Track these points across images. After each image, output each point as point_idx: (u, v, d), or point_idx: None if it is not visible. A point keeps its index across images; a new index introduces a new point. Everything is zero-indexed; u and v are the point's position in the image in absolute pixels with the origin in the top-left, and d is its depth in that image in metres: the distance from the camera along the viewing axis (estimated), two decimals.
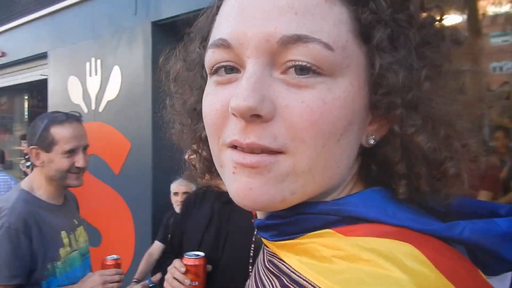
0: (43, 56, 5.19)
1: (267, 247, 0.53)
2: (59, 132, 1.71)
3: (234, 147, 0.46)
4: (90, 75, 4.44)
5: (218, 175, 0.54)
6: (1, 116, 8.22)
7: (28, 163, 6.05)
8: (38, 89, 7.13)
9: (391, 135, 0.49)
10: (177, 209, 3.27)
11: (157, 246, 3.45)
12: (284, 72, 0.45)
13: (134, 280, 3.15)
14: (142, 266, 3.31)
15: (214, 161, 0.52)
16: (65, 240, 1.75)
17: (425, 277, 0.38)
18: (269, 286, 0.49)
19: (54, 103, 5.00)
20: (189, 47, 0.61)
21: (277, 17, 0.44)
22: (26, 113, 8.02)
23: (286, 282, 0.46)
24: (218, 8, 0.52)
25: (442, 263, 0.40)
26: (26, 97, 7.91)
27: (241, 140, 0.45)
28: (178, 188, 3.29)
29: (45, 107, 8.09)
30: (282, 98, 0.44)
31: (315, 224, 0.47)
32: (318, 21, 0.44)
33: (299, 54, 0.43)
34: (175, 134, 0.66)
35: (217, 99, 0.48)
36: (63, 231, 1.76)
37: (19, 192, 1.71)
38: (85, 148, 1.78)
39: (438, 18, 0.49)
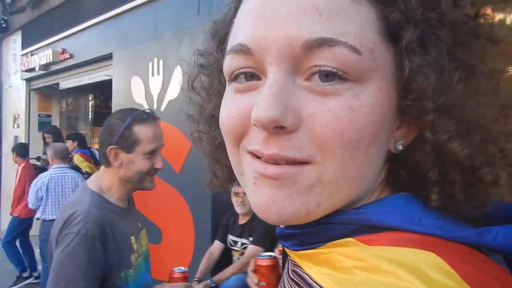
0: (108, 57, 5.38)
1: (290, 256, 0.51)
2: (142, 131, 1.58)
3: (255, 155, 0.44)
4: (153, 75, 4.53)
5: (239, 183, 0.52)
6: (67, 116, 8.62)
7: (41, 164, 6.31)
8: (101, 89, 7.42)
9: (422, 141, 0.45)
10: (238, 209, 3.25)
11: (217, 246, 3.45)
12: (308, 78, 0.42)
13: (196, 279, 3.16)
14: (203, 265, 3.31)
15: (234, 170, 0.50)
16: (135, 246, 1.64)
17: None
18: None
19: (117, 102, 5.15)
20: (206, 51, 0.60)
21: (300, 19, 0.41)
22: (90, 113, 8.37)
23: None
24: (236, 10, 0.49)
25: (469, 273, 0.37)
26: (90, 98, 8.25)
27: (263, 150, 0.43)
28: (239, 189, 3.23)
29: (107, 107, 8.48)
30: (307, 106, 0.41)
31: (336, 233, 0.45)
32: (344, 23, 0.41)
33: (325, 59, 0.40)
34: (194, 141, 0.64)
35: (236, 107, 0.45)
36: (132, 236, 1.64)
37: (90, 194, 1.57)
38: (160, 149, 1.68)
39: (472, 15, 0.44)
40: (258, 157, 0.44)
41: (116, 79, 5.20)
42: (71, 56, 6.31)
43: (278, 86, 0.41)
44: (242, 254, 3.34)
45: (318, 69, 0.41)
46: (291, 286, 0.49)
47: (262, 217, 0.44)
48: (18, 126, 8.13)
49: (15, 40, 8.16)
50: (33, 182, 4.80)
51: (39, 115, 8.12)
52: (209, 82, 0.59)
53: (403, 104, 0.44)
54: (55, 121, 8.24)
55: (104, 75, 5.73)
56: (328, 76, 0.41)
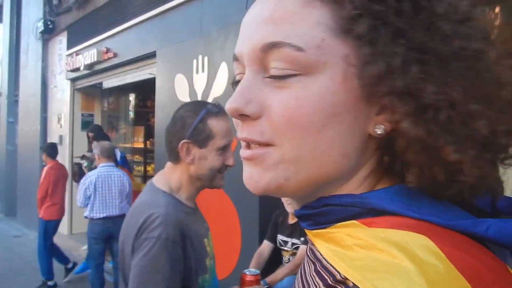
0: (151, 55, 5.40)
1: (307, 235, 0.57)
2: (216, 125, 1.47)
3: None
4: (197, 72, 4.50)
5: None
6: (108, 115, 8.78)
7: (85, 163, 6.28)
8: (142, 88, 7.49)
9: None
10: (288, 208, 3.15)
11: (266, 246, 3.37)
12: (271, 76, 0.50)
13: None
14: (253, 265, 3.24)
15: None
16: (208, 249, 1.55)
17: (434, 268, 0.40)
18: (308, 270, 0.54)
19: (161, 100, 5.17)
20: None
21: (260, 29, 0.50)
22: (130, 112, 8.49)
23: (318, 267, 0.51)
24: None
25: (458, 257, 0.41)
26: (131, 97, 8.36)
27: (238, 135, 0.53)
28: None
29: (145, 106, 8.58)
30: (267, 99, 0.50)
31: (343, 215, 0.50)
32: (293, 27, 0.48)
33: (276, 58, 0.48)
34: None
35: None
36: (205, 239, 1.55)
37: (163, 195, 1.46)
38: None
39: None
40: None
41: (159, 77, 5.21)
42: (115, 55, 6.39)
43: (245, 83, 0.51)
44: (292, 254, 3.24)
45: (275, 68, 0.49)
46: (307, 262, 0.56)
47: (248, 189, 0.53)
48: (62, 126, 8.33)
49: (60, 41, 8.36)
50: (81, 181, 4.87)
51: (82, 115, 8.29)
52: None
53: (365, 91, 0.48)
54: (97, 120, 8.41)
55: (147, 73, 5.76)
56: (277, 76, 0.49)
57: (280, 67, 0.48)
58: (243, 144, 0.53)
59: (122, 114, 8.79)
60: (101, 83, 7.25)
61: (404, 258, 0.40)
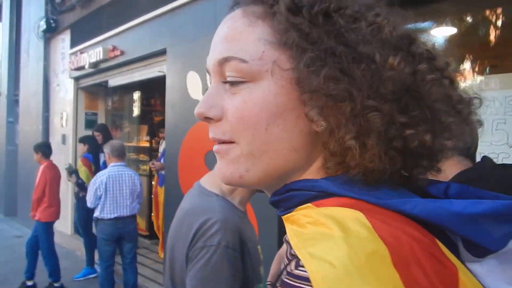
0: (161, 53, 5.29)
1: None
2: None
3: None
4: None
5: None
6: (112, 114, 8.66)
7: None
8: (148, 87, 7.39)
9: None
10: None
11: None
12: (226, 82, 0.60)
13: (268, 283, 3.02)
14: (274, 269, 3.15)
15: None
16: (261, 256, 1.45)
17: (358, 234, 0.47)
18: (286, 253, 0.60)
19: (171, 99, 5.07)
20: None
21: (217, 46, 0.61)
22: (135, 110, 8.36)
23: (289, 248, 0.58)
24: None
25: (381, 226, 0.48)
26: (135, 96, 8.24)
27: (209, 135, 0.63)
28: None
29: (149, 104, 8.47)
30: (225, 104, 0.60)
31: (301, 199, 0.58)
32: (240, 43, 0.59)
33: (228, 70, 0.59)
34: None
35: None
36: (259, 246, 1.46)
37: (216, 198, 1.37)
38: None
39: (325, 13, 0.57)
40: None
41: (170, 75, 5.10)
42: (122, 53, 6.27)
43: (210, 91, 0.62)
44: None
45: (228, 78, 0.59)
46: (285, 245, 0.65)
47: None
48: (65, 125, 8.22)
49: (63, 39, 8.23)
50: (92, 181, 4.77)
51: (85, 113, 8.18)
52: None
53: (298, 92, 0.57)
54: (101, 119, 8.31)
55: (156, 71, 5.65)
56: (233, 82, 0.59)
57: (232, 75, 0.59)
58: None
59: (126, 112, 8.66)
60: (106, 82, 7.12)
61: (337, 229, 0.48)
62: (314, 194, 0.57)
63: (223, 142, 0.61)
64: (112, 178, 4.66)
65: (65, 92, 8.29)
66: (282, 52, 0.57)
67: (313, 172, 0.60)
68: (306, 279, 0.46)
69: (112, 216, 4.65)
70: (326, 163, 0.59)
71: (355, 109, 0.54)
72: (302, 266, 0.48)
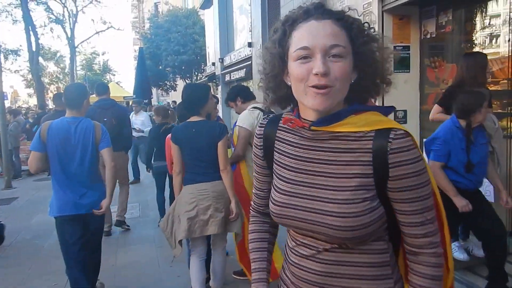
0: None
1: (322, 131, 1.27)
2: None
3: (314, 87, 1.13)
4: None
5: (286, 103, 1.37)
6: (429, 45, 5.94)
7: None
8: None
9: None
10: None
11: None
12: (331, 57, 1.11)
13: None
14: None
15: (297, 94, 1.20)
16: None
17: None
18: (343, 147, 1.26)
19: None
20: (270, 45, 1.30)
21: (327, 37, 1.12)
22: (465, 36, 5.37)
23: (350, 137, 1.25)
24: (287, 32, 1.22)
25: None
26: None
27: (319, 83, 1.11)
28: None
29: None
30: (331, 67, 1.10)
31: (346, 115, 1.20)
32: (339, 38, 1.13)
33: (334, 51, 1.11)
34: (258, 87, 1.42)
35: (303, 68, 1.13)
36: None
37: None
38: None
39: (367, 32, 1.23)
40: (315, 87, 1.13)
41: None
42: None
43: (322, 60, 1.11)
44: None
45: (334, 54, 1.12)
46: (337, 150, 1.25)
47: (314, 109, 1.17)
48: None
49: None
50: None
51: (394, 48, 5.85)
52: (273, 61, 1.28)
53: (354, 62, 1.18)
54: (415, 55, 5.82)
55: None
56: (335, 56, 1.12)
57: (336, 53, 1.11)
58: (318, 86, 1.13)
59: (448, 43, 5.78)
60: None
61: (376, 117, 1.21)
62: (350, 109, 1.22)
63: (327, 87, 1.11)
64: None
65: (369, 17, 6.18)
66: (351, 44, 1.17)
67: (342, 104, 1.24)
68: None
69: None
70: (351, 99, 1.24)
71: (378, 72, 1.25)
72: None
